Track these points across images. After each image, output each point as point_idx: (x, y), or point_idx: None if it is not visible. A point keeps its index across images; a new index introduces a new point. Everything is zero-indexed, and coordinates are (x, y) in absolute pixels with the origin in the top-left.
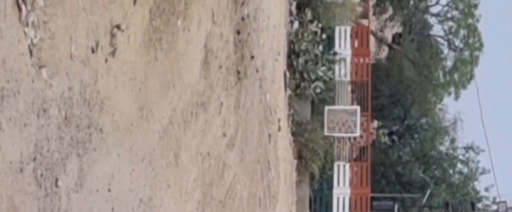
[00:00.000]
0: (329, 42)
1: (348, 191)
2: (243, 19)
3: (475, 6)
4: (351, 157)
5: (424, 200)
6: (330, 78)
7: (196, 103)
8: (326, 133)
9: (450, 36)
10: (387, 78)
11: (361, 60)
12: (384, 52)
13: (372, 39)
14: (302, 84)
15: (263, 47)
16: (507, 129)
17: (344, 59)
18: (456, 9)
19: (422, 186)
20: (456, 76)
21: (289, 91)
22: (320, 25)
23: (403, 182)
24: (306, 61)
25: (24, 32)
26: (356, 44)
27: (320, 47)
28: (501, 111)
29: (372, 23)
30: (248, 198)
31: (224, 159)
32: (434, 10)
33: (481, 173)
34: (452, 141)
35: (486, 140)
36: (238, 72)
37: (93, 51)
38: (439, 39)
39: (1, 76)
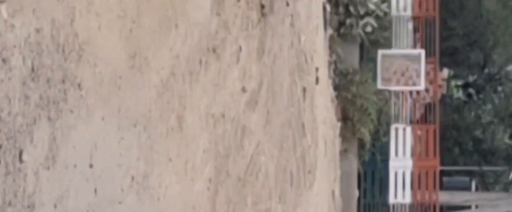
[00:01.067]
0: None
1: (410, 163)
2: None
3: None
4: (414, 118)
5: (511, 175)
6: (385, 13)
7: (206, 49)
8: (379, 86)
9: None
10: (460, 11)
11: None
12: None
13: None
14: (348, 21)
15: None
16: None
17: None
18: None
19: (508, 156)
20: None
21: (330, 31)
22: None
23: (483, 151)
24: None
25: None
26: None
27: None
28: None
29: None
30: (276, 173)
31: (244, 122)
32: None
33: None
34: None
35: None
36: (262, 7)
37: None
38: None
39: None
